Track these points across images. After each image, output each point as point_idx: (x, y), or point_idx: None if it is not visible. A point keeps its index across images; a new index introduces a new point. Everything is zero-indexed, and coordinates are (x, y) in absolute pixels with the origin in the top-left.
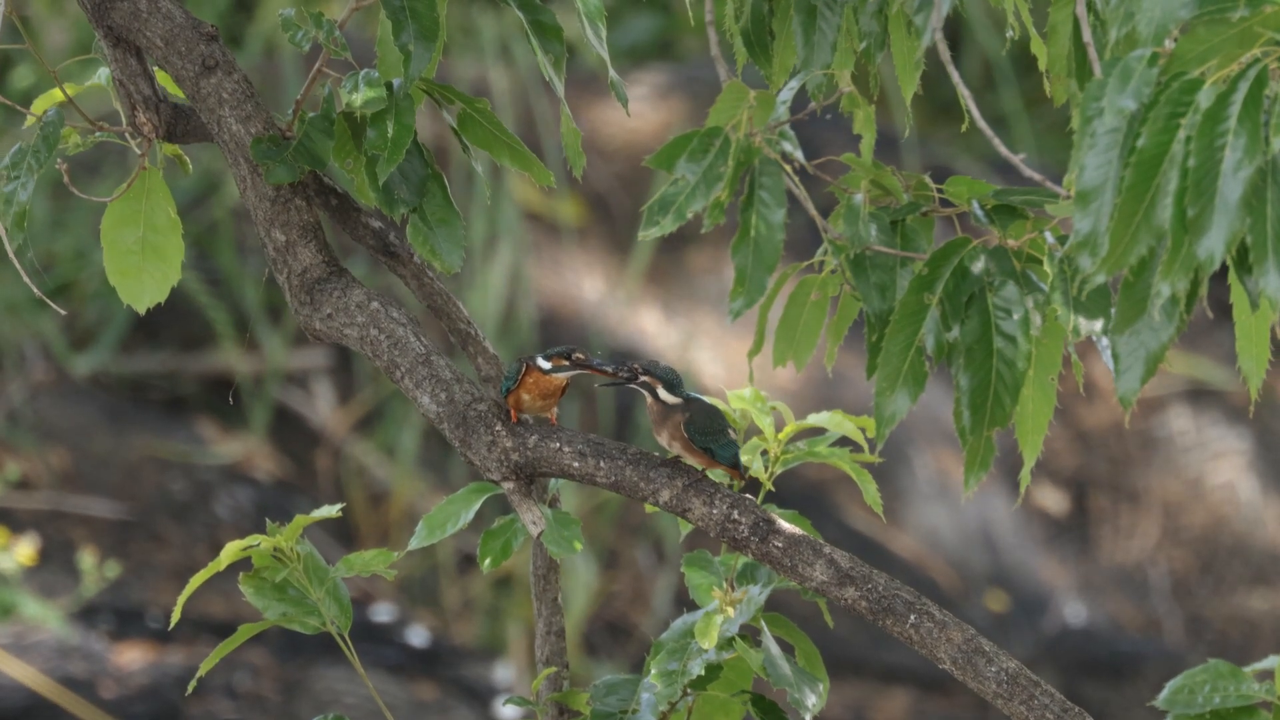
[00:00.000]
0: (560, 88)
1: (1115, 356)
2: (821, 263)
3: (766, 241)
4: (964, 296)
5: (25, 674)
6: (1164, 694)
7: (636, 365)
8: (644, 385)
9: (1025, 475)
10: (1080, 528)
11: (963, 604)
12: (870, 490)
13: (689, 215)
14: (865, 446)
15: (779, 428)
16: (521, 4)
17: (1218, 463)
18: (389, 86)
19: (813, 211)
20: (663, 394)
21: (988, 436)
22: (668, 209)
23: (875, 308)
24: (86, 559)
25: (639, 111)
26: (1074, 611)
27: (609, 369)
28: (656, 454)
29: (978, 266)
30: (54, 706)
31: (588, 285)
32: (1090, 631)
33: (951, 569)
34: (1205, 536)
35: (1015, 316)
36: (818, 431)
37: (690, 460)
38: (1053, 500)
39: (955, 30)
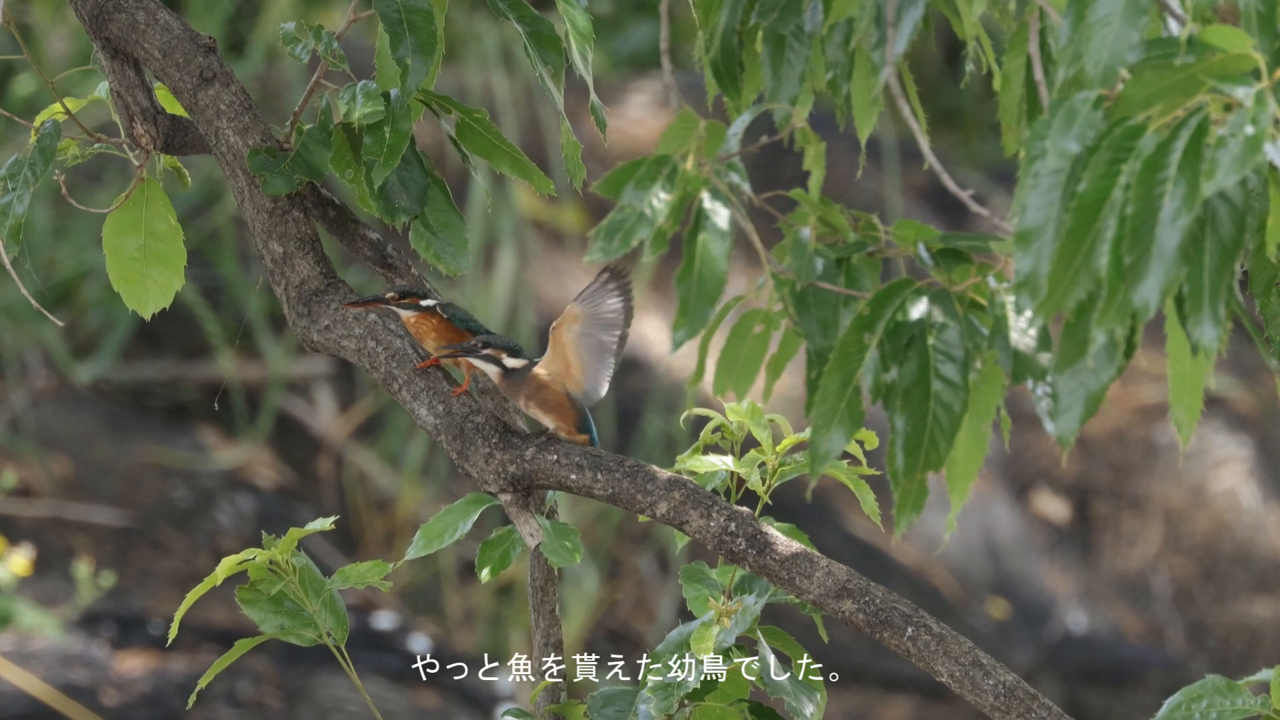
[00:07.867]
0: (559, 100)
1: (1054, 396)
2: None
3: (710, 274)
4: (904, 338)
5: (27, 681)
6: (1162, 712)
7: (478, 340)
8: (487, 358)
9: (951, 521)
10: (1082, 535)
11: (964, 612)
12: (868, 500)
13: (634, 243)
14: (863, 459)
15: (777, 441)
16: (519, 16)
17: (1219, 470)
18: (386, 98)
19: (758, 244)
20: (508, 361)
21: (920, 479)
22: (614, 235)
23: (816, 344)
24: (82, 569)
25: (640, 119)
26: (1076, 619)
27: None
28: (651, 465)
29: (919, 308)
30: (56, 714)
31: None
32: (1092, 639)
33: (953, 577)
34: (1207, 544)
35: (955, 360)
36: None
37: (547, 416)
38: (1054, 508)
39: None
